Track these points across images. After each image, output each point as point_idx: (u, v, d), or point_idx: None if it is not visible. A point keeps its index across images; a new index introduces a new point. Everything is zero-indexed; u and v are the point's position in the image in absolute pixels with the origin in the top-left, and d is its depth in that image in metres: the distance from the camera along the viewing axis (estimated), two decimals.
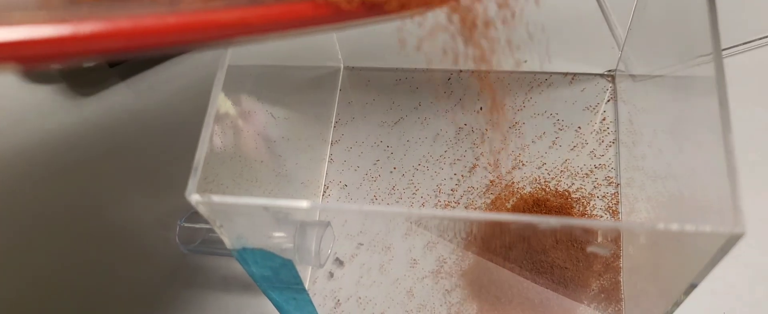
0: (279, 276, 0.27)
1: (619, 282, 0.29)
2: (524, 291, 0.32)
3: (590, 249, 0.23)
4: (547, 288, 0.31)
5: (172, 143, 0.38)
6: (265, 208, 0.21)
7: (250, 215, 0.24)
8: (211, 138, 0.22)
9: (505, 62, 0.37)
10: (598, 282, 0.29)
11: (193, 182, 0.21)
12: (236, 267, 0.34)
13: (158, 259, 0.35)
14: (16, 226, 0.37)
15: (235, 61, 0.25)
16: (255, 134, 0.29)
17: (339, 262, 0.34)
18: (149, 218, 0.36)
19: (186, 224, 0.33)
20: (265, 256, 0.25)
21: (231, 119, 0.25)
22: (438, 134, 0.36)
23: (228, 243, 0.24)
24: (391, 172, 0.36)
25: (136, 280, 0.34)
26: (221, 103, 0.24)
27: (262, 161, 0.30)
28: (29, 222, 0.37)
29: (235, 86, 0.25)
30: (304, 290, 0.28)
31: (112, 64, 0.39)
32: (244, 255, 0.25)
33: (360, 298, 0.33)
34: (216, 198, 0.21)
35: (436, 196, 0.35)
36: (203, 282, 0.34)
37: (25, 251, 0.36)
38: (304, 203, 0.21)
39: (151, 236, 0.35)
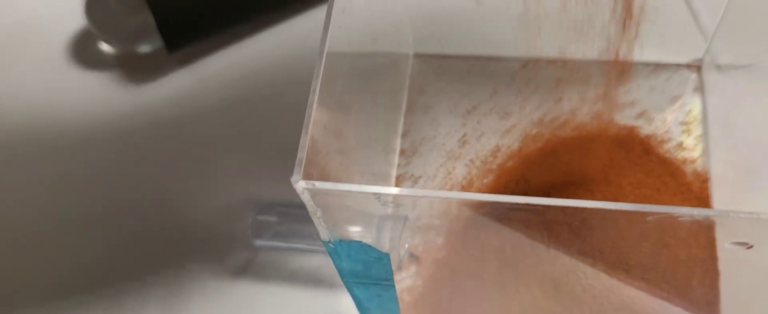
0: (370, 271, 0.25)
1: (717, 288, 0.28)
2: (605, 290, 0.30)
3: (729, 244, 0.21)
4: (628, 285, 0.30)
5: (232, 132, 0.37)
6: (377, 196, 0.20)
7: (350, 204, 0.23)
8: (312, 125, 0.21)
9: (589, 51, 0.36)
10: (693, 285, 0.27)
11: (298, 169, 0.20)
12: (307, 262, 0.33)
13: (225, 253, 0.33)
14: (75, 217, 0.35)
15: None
16: (332, 124, 0.28)
17: (414, 257, 0.32)
18: (214, 211, 0.34)
19: (258, 218, 0.32)
20: (360, 249, 0.23)
21: (326, 108, 0.23)
22: (514, 125, 0.35)
23: (324, 234, 0.23)
24: (467, 164, 0.34)
25: (203, 274, 0.33)
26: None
27: (335, 152, 0.29)
28: (87, 214, 0.35)
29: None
30: (392, 286, 0.26)
31: (171, 50, 0.38)
32: (339, 247, 0.23)
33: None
34: (322, 185, 0.20)
35: None
36: (273, 276, 0.33)
37: (87, 244, 0.35)
38: (420, 192, 0.20)
39: (218, 229, 0.34)
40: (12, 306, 0.34)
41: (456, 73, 0.37)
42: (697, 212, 0.18)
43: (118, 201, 0.36)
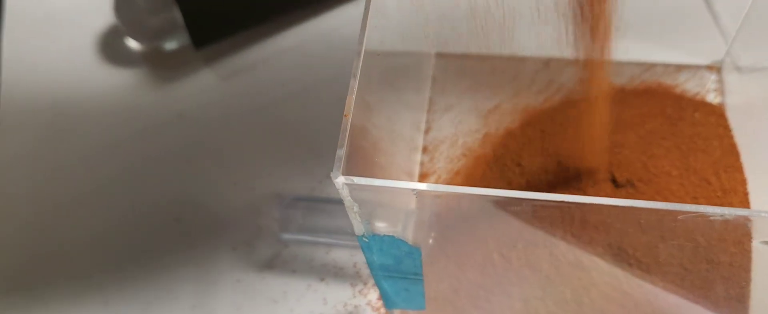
0: (400, 265, 0.26)
1: (746, 287, 0.28)
2: (631, 290, 0.31)
3: (760, 243, 0.22)
4: (654, 286, 0.30)
5: (258, 128, 0.38)
6: (415, 192, 0.21)
7: (383, 200, 0.23)
8: (351, 123, 0.22)
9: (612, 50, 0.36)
10: (720, 288, 0.28)
11: (338, 165, 0.21)
12: (333, 256, 0.33)
13: (253, 246, 0.34)
14: (102, 213, 0.36)
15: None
16: (364, 122, 0.28)
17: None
18: (241, 206, 0.35)
19: (285, 212, 0.32)
20: (393, 243, 0.24)
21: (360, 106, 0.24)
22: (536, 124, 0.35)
23: (358, 229, 0.23)
24: (488, 162, 0.35)
25: (232, 267, 0.33)
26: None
27: (366, 149, 0.29)
28: (113, 209, 0.36)
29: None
30: (420, 280, 0.27)
31: (198, 47, 0.39)
32: (372, 241, 0.24)
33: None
34: (361, 180, 0.21)
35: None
36: (300, 269, 0.33)
37: (115, 240, 0.35)
38: (459, 188, 0.20)
39: (245, 223, 0.35)
40: (52, 297, 0.34)
41: (478, 73, 0.38)
42: (729, 212, 0.19)
43: (146, 196, 0.36)
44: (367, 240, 0.23)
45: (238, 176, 0.36)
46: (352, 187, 0.21)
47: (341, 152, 0.21)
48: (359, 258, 0.34)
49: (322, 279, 0.33)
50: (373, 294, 0.33)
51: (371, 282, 0.33)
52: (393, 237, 0.23)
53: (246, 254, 0.34)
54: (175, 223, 0.35)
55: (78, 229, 0.36)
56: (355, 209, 0.22)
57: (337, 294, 0.33)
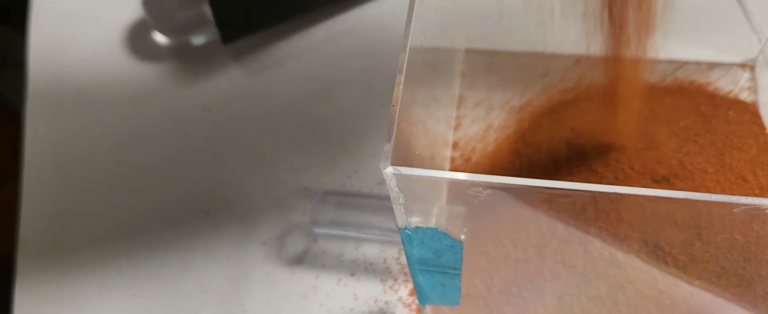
0: (439, 259, 0.26)
1: None
2: (662, 287, 0.30)
3: None
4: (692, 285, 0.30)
5: (286, 123, 0.37)
6: (467, 184, 0.20)
7: (424, 192, 0.23)
8: (399, 114, 0.21)
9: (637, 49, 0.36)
10: (758, 286, 0.28)
11: (387, 155, 0.20)
12: (365, 252, 0.33)
13: (284, 241, 0.34)
14: (131, 205, 0.36)
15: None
16: (403, 116, 0.28)
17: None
18: (271, 200, 0.35)
19: (317, 206, 0.32)
20: (435, 236, 0.24)
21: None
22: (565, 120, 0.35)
23: (401, 221, 0.23)
24: (518, 157, 0.35)
25: (263, 261, 0.33)
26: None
27: (405, 143, 0.29)
28: (142, 202, 0.36)
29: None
30: (458, 275, 0.27)
31: (227, 42, 0.38)
32: (414, 234, 0.24)
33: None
34: (410, 171, 0.20)
35: None
36: (331, 264, 0.33)
37: (145, 232, 0.35)
38: (508, 179, 0.20)
39: (274, 219, 0.34)
40: (81, 289, 0.34)
41: (507, 69, 0.38)
42: None
43: (174, 190, 0.36)
44: (409, 233, 0.23)
45: (267, 171, 0.36)
46: (399, 178, 0.21)
47: (390, 143, 0.21)
48: (389, 253, 0.34)
49: (352, 274, 0.33)
50: (404, 290, 0.33)
51: (402, 278, 0.33)
52: (436, 229, 0.23)
53: (276, 248, 0.34)
54: (205, 216, 0.35)
55: (107, 221, 0.36)
56: (401, 200, 0.22)
57: (368, 289, 0.33)
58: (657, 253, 0.29)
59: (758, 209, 0.19)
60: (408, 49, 0.23)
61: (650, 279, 0.30)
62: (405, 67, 0.22)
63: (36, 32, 0.41)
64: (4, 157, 0.58)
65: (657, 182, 0.31)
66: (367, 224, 0.33)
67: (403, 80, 0.22)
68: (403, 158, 0.24)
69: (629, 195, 0.22)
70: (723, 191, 0.31)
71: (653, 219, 0.26)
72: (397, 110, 0.21)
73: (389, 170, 0.20)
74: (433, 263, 0.26)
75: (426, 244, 0.24)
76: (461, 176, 0.20)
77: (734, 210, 0.20)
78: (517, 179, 0.20)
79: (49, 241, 0.36)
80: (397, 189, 0.21)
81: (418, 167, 0.28)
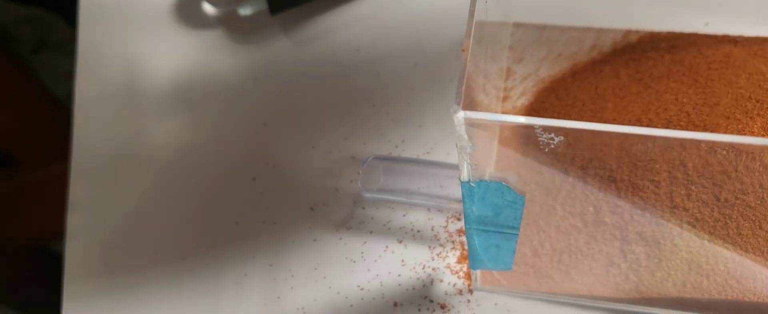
0: (498, 217, 0.26)
1: None
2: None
3: None
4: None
5: (333, 93, 0.38)
6: (537, 128, 0.20)
7: (487, 144, 0.23)
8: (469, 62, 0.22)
9: (689, 22, 0.36)
10: None
11: (458, 99, 0.20)
12: (412, 219, 0.33)
13: (331, 207, 0.34)
14: (181, 172, 0.36)
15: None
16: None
17: None
18: (317, 169, 0.35)
19: (367, 170, 0.32)
20: (499, 190, 0.24)
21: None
22: (617, 87, 0.35)
23: (466, 173, 0.23)
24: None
25: (308, 229, 0.34)
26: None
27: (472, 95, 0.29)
28: (190, 169, 0.36)
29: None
30: (515, 236, 0.27)
31: (274, 12, 0.39)
32: (478, 187, 0.24)
33: None
34: (482, 115, 0.20)
35: None
36: (378, 230, 0.33)
37: (191, 199, 0.35)
38: (581, 124, 0.20)
39: (321, 186, 0.35)
40: (132, 253, 0.35)
41: (555, 43, 0.38)
42: None
43: (222, 157, 0.36)
44: (473, 185, 0.23)
45: (315, 139, 0.36)
46: (470, 122, 0.21)
47: (461, 88, 0.21)
48: (437, 221, 0.34)
49: (399, 241, 0.33)
50: (452, 258, 0.33)
51: (449, 245, 0.33)
52: (500, 183, 0.23)
53: (324, 214, 0.34)
54: (252, 182, 0.35)
55: (156, 189, 0.36)
56: (468, 150, 0.22)
57: (416, 255, 0.33)
58: (728, 226, 0.29)
59: None
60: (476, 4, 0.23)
61: (706, 247, 0.30)
62: (475, 9, 0.22)
63: (86, 3, 0.42)
64: (48, 136, 0.59)
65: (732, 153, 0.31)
66: (415, 191, 0.33)
67: (474, 24, 0.22)
68: (470, 107, 0.24)
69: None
70: None
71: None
72: (468, 55, 0.21)
73: (460, 114, 0.20)
74: (491, 221, 0.26)
75: (487, 200, 0.24)
76: (524, 120, 0.20)
77: None
78: (595, 125, 0.20)
79: (99, 203, 0.36)
80: (465, 136, 0.21)
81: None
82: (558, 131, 0.21)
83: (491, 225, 0.26)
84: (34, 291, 0.56)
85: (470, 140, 0.22)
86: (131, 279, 0.34)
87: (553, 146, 0.22)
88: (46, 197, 0.54)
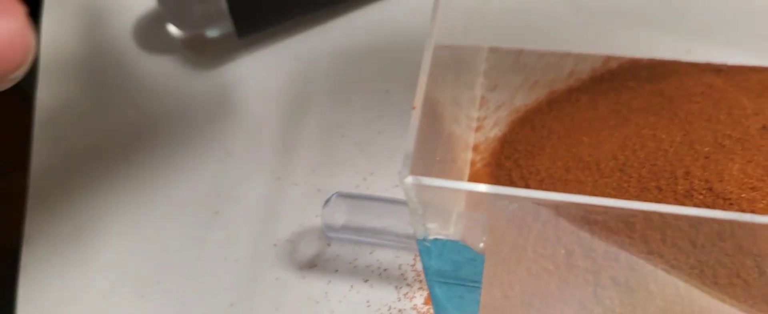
0: (458, 272, 0.24)
1: None
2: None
3: None
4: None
5: (299, 122, 0.36)
6: (497, 196, 0.19)
7: (434, 198, 0.22)
8: (420, 120, 0.20)
9: (671, 49, 0.35)
10: None
11: (406, 163, 0.19)
12: (379, 257, 0.32)
13: (296, 245, 0.33)
14: (138, 200, 0.35)
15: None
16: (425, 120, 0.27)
17: None
18: (282, 202, 0.34)
19: (329, 210, 0.31)
20: (455, 249, 0.22)
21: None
22: (594, 119, 0.34)
23: (420, 232, 0.22)
24: (543, 162, 0.33)
25: (273, 265, 0.32)
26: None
27: (425, 150, 0.28)
28: (152, 198, 0.35)
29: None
30: (478, 288, 0.26)
31: (241, 36, 0.37)
32: (433, 246, 0.22)
33: None
34: (431, 181, 0.19)
35: None
36: (344, 269, 0.32)
37: (147, 231, 0.34)
38: (531, 193, 0.19)
39: (286, 221, 0.33)
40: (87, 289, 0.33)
41: (531, 69, 0.36)
42: None
43: (183, 186, 0.35)
44: (428, 244, 0.22)
45: (280, 170, 0.35)
46: (419, 188, 0.19)
47: (410, 149, 0.19)
48: (404, 259, 0.32)
49: (365, 280, 0.32)
50: (419, 298, 0.31)
51: (417, 285, 0.32)
52: (457, 241, 0.22)
53: (287, 251, 0.33)
54: (214, 216, 0.34)
55: (114, 218, 0.35)
56: (420, 211, 0.20)
57: (381, 296, 0.32)
58: (704, 273, 0.28)
59: None
60: (433, 47, 0.21)
61: (676, 296, 0.29)
62: (429, 67, 0.21)
63: (48, 22, 0.40)
64: (15, 142, 0.58)
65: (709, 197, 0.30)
66: (382, 229, 0.31)
67: (426, 80, 0.21)
68: (424, 165, 0.23)
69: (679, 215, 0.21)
70: None
71: (685, 235, 0.25)
72: (419, 113, 0.20)
73: (409, 180, 0.19)
74: (452, 275, 0.24)
75: (445, 256, 0.23)
76: (483, 187, 0.19)
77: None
78: (551, 194, 0.19)
79: (54, 235, 0.35)
80: (416, 200, 0.20)
81: (438, 173, 0.27)
82: (513, 199, 0.19)
83: (452, 278, 0.25)
84: None
85: (424, 199, 0.21)
86: None
87: (508, 212, 0.20)
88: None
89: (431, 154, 0.24)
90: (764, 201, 0.29)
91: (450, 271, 0.24)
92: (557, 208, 0.26)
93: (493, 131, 0.34)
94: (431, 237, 0.22)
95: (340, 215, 0.31)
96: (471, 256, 0.23)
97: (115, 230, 0.34)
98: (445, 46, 0.33)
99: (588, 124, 0.33)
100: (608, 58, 0.35)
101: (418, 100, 0.20)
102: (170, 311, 0.32)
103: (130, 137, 0.37)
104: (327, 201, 0.31)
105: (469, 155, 0.34)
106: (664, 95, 0.33)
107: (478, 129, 0.35)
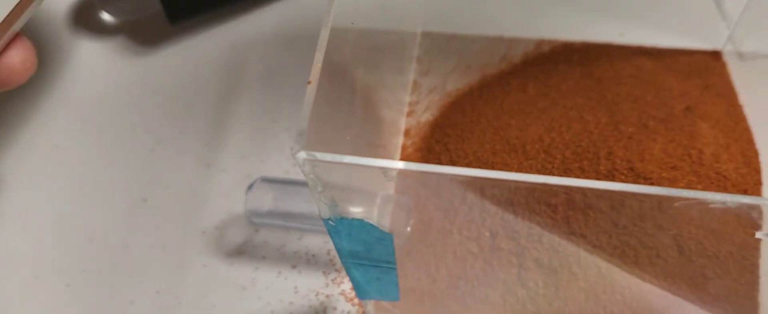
0: (371, 252, 0.24)
1: (755, 285, 0.26)
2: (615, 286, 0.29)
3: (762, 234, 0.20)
4: (643, 281, 0.29)
5: (230, 106, 0.36)
6: (383, 170, 0.19)
7: (352, 180, 0.22)
8: (315, 96, 0.20)
9: (604, 32, 0.35)
10: (721, 282, 0.26)
11: (300, 139, 0.19)
12: (308, 243, 0.32)
13: (223, 231, 0.32)
14: (70, 189, 0.34)
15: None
16: (336, 100, 0.26)
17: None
18: (211, 189, 0.33)
19: (254, 194, 0.30)
20: (362, 228, 0.22)
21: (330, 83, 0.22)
22: (523, 102, 0.34)
23: (323, 211, 0.21)
24: (472, 145, 0.33)
25: (201, 252, 0.32)
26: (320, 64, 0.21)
27: (340, 129, 0.27)
28: (82, 185, 0.34)
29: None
30: (393, 269, 0.25)
31: (173, 22, 0.37)
32: (338, 225, 0.22)
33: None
34: (324, 156, 0.19)
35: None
36: (272, 256, 0.31)
37: (79, 220, 0.33)
38: (426, 166, 0.18)
39: (215, 207, 0.33)
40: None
41: (465, 54, 0.36)
42: (731, 199, 0.17)
43: (112, 173, 0.34)
44: (333, 223, 0.22)
45: (210, 157, 0.34)
46: (314, 163, 0.19)
47: (304, 125, 0.19)
48: (333, 245, 0.32)
49: (293, 267, 0.32)
50: (347, 284, 0.31)
51: (345, 271, 0.31)
52: (362, 220, 0.22)
53: (215, 238, 0.32)
54: (142, 203, 0.33)
55: (36, 206, 0.34)
56: (319, 188, 0.20)
57: (309, 282, 0.31)
58: (626, 253, 0.28)
59: (701, 203, 0.18)
60: (329, 27, 0.21)
61: (598, 276, 0.29)
62: (325, 46, 0.21)
63: None
64: None
65: (630, 177, 0.30)
66: (310, 214, 0.31)
67: (322, 58, 0.20)
68: (328, 143, 0.23)
69: (597, 189, 0.21)
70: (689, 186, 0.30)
71: (605, 210, 0.25)
72: (315, 88, 0.20)
73: (301, 154, 0.19)
74: (365, 256, 0.24)
75: (353, 236, 0.23)
76: (381, 162, 0.19)
77: (676, 204, 0.18)
78: (440, 168, 0.18)
79: None
80: (313, 176, 0.19)
81: (352, 152, 0.26)
82: (416, 175, 0.19)
83: (365, 259, 0.24)
84: None
85: (326, 178, 0.20)
86: (10, 308, 0.32)
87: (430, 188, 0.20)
88: None
89: (339, 133, 0.23)
90: (684, 180, 0.29)
91: (362, 252, 0.24)
92: (482, 190, 0.26)
93: (425, 115, 0.34)
94: (336, 216, 0.21)
95: (265, 200, 0.31)
96: (379, 235, 0.22)
97: (40, 217, 0.34)
98: (379, 30, 0.32)
99: (517, 107, 0.33)
100: (541, 42, 0.35)
101: (314, 75, 0.20)
102: (96, 299, 0.31)
103: (59, 124, 0.36)
104: (250, 186, 0.31)
105: (401, 140, 0.34)
106: (594, 77, 0.33)
107: (409, 114, 0.34)
